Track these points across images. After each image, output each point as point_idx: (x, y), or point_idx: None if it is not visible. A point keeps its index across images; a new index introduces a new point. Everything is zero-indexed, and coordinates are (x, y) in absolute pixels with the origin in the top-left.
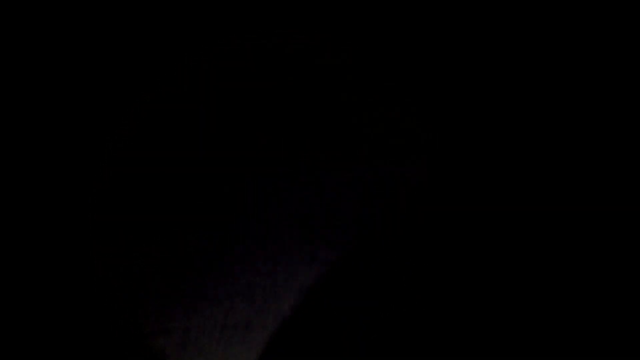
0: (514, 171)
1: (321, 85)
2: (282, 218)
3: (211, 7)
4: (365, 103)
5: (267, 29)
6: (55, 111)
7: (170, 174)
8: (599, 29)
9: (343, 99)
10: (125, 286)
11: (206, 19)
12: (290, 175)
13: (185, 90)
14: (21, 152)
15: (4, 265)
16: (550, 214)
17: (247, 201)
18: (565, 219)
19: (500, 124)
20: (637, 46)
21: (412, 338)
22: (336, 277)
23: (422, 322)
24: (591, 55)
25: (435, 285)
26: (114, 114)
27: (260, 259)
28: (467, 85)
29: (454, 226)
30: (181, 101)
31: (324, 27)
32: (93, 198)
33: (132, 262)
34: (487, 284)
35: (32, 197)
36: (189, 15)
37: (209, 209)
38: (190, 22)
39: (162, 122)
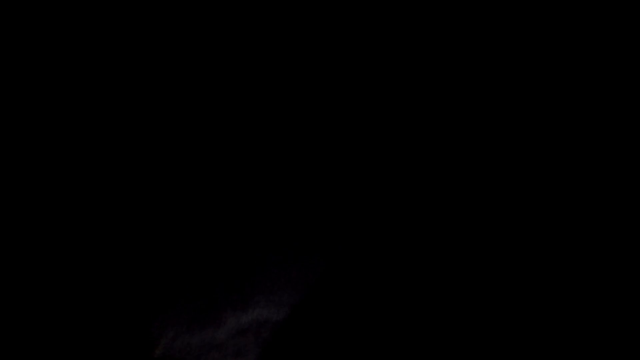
0: (513, 171)
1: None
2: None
3: (211, 7)
4: (364, 103)
5: (267, 30)
6: (55, 111)
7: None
8: (599, 29)
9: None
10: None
11: (206, 19)
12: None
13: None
14: (20, 152)
15: (5, 265)
16: (550, 214)
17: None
18: (565, 219)
19: (500, 124)
20: (637, 46)
21: (412, 338)
22: (337, 276)
23: (422, 322)
24: (591, 56)
25: (434, 286)
26: (114, 114)
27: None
28: (466, 85)
29: (453, 226)
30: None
31: (324, 26)
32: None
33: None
34: (487, 284)
35: (32, 197)
36: (189, 15)
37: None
38: (191, 21)
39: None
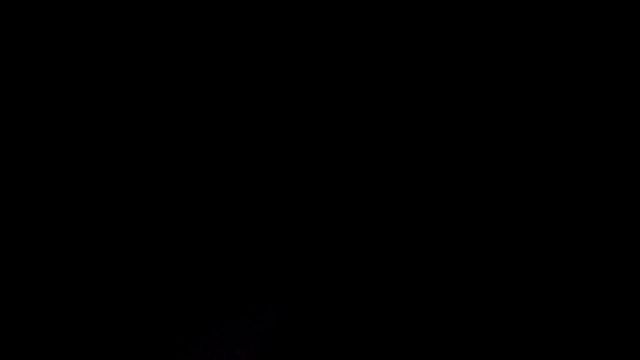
0: (512, 171)
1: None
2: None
3: (211, 8)
4: (364, 103)
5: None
6: (54, 111)
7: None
8: (599, 29)
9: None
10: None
11: (206, 19)
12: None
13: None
14: (18, 151)
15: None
16: (550, 214)
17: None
18: (564, 219)
19: (499, 124)
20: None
21: (411, 338)
22: (336, 277)
23: (422, 322)
24: (591, 56)
25: (434, 286)
26: (114, 115)
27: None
28: (464, 85)
29: (453, 226)
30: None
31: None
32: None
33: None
34: (486, 284)
35: (31, 197)
36: (189, 15)
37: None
38: (190, 22)
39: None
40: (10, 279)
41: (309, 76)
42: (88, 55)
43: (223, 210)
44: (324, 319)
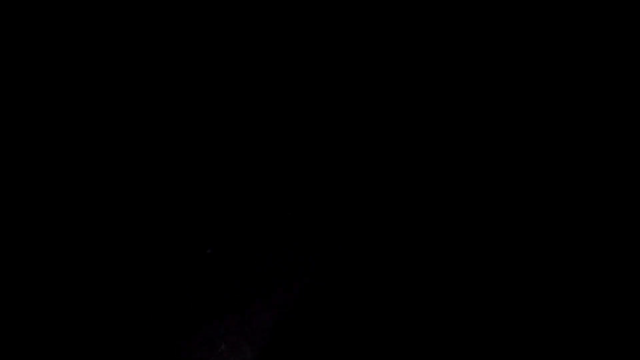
0: (512, 171)
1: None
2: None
3: (210, 9)
4: (364, 103)
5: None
6: (54, 111)
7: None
8: (599, 29)
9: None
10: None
11: (205, 20)
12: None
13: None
14: (18, 151)
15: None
16: (549, 214)
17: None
18: (564, 219)
19: (499, 124)
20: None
21: (411, 339)
22: (336, 277)
23: (421, 323)
24: (590, 56)
25: (434, 286)
26: (115, 114)
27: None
28: (464, 85)
29: (453, 226)
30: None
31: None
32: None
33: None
34: (486, 283)
35: (31, 197)
36: (189, 16)
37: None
38: (190, 22)
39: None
40: (9, 279)
41: (308, 76)
42: (88, 55)
43: (223, 211)
44: (324, 319)
